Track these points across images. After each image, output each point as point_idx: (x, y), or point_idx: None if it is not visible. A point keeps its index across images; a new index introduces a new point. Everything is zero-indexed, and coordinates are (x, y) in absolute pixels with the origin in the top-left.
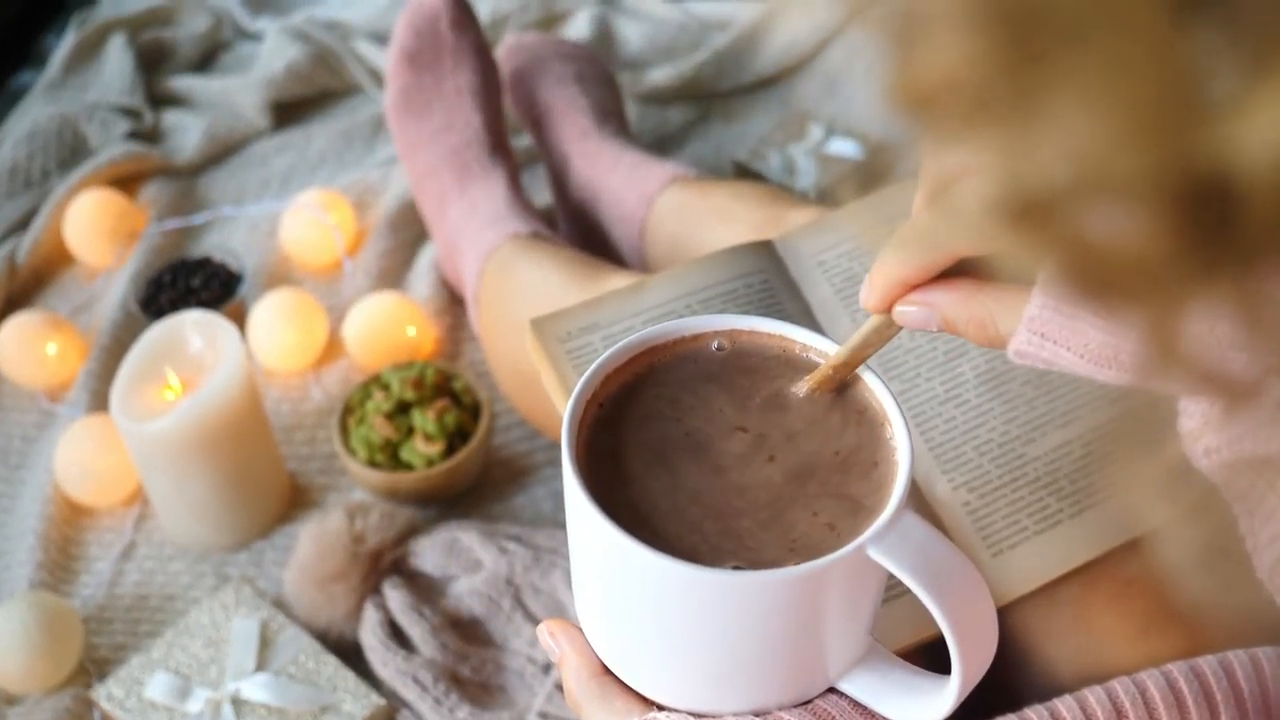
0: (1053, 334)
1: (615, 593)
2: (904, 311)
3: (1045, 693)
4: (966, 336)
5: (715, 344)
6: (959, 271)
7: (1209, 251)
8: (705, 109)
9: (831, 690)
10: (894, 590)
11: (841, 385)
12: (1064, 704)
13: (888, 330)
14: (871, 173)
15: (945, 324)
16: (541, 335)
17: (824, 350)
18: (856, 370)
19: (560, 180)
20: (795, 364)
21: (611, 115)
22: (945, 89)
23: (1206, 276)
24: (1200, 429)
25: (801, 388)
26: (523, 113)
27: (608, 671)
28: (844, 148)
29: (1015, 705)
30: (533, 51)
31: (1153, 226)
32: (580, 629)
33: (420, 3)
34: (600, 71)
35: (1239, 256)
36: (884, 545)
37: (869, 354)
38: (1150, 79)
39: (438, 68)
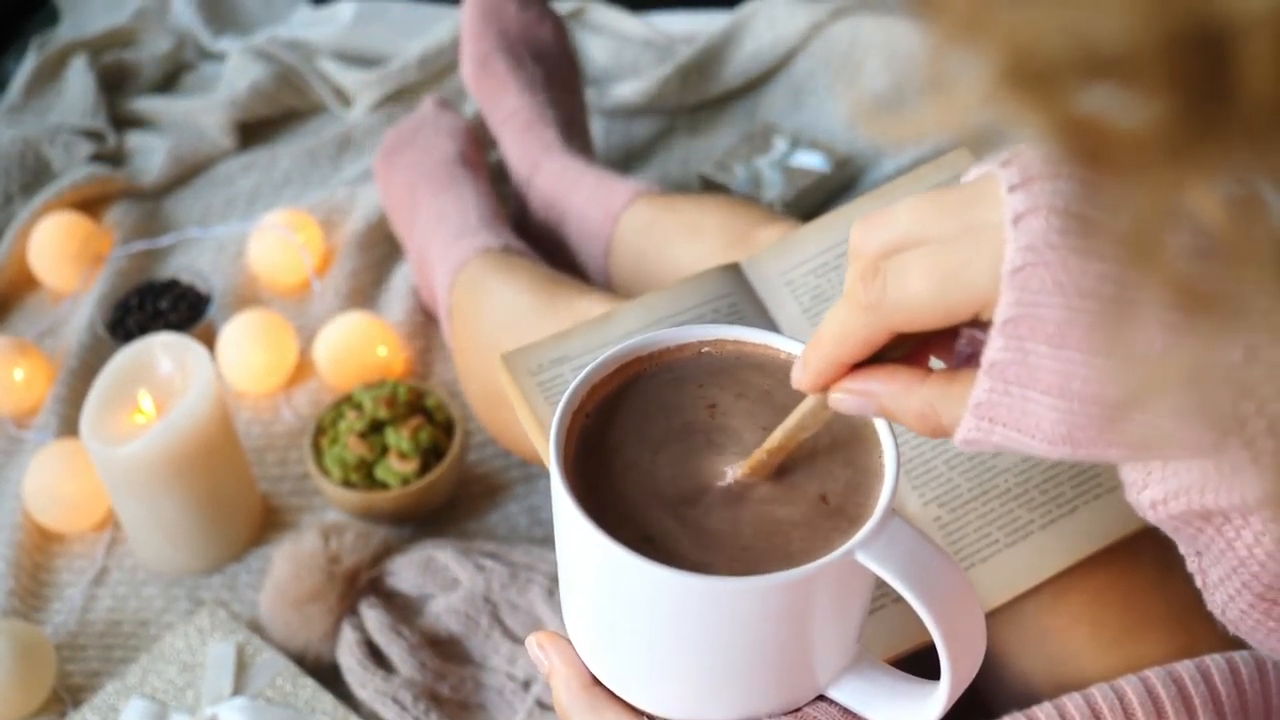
0: (1001, 417)
1: (605, 602)
2: (840, 399)
3: (1021, 703)
4: (907, 426)
5: (700, 353)
6: (897, 357)
7: (1203, 124)
8: (671, 123)
9: (821, 698)
10: (874, 602)
11: (778, 470)
12: (1043, 711)
13: (824, 412)
14: (837, 185)
15: (884, 414)
16: (513, 369)
17: None
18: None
19: (523, 198)
20: (780, 373)
21: (577, 129)
22: None
23: (1200, 153)
24: (1144, 480)
25: (736, 472)
26: (488, 106)
27: (597, 683)
28: (809, 160)
29: (992, 716)
30: (507, 36)
31: (1148, 97)
32: (569, 640)
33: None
34: (569, 73)
35: (1233, 132)
36: (873, 550)
37: (804, 436)
38: None
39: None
